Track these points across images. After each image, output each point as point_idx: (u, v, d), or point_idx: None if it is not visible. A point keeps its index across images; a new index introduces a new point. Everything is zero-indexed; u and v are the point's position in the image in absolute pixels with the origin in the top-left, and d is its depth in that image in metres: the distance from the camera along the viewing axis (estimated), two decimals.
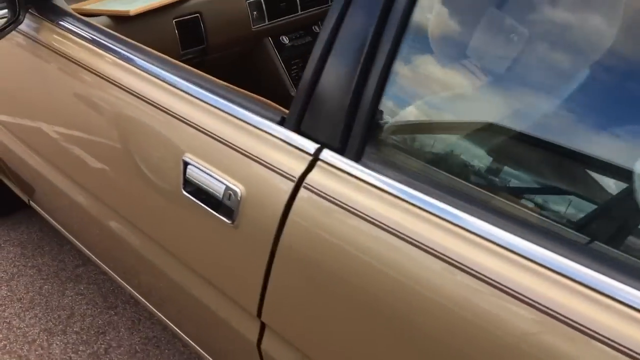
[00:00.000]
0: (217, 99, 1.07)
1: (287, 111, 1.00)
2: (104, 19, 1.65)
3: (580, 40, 0.82)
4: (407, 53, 0.87)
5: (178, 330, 1.44)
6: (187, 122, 1.09)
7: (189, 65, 1.24)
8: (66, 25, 1.40)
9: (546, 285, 0.71)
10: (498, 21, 0.87)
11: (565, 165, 0.83)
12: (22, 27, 1.45)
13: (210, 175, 1.05)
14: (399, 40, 0.85)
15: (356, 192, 0.88)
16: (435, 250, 0.79)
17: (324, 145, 0.93)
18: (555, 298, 0.70)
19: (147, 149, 1.20)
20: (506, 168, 0.86)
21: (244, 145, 1.01)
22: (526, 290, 0.72)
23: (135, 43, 1.30)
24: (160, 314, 1.49)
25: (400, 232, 0.83)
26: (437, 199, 0.82)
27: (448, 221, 0.80)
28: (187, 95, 1.11)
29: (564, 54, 0.84)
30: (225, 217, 1.04)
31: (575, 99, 0.81)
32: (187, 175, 1.09)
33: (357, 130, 0.89)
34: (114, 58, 1.28)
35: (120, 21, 1.67)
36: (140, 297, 1.55)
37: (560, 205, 0.81)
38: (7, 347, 1.86)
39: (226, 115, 1.05)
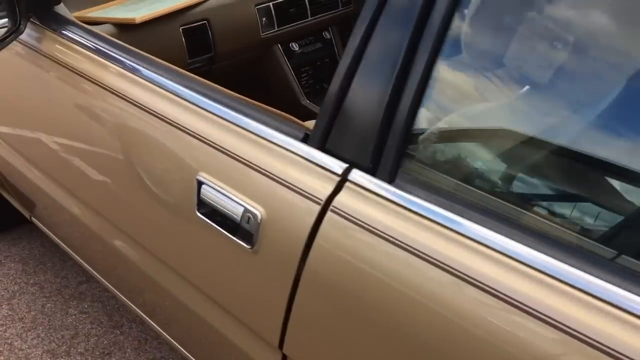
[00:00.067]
0: (233, 113, 1.00)
1: (310, 127, 0.92)
2: (108, 27, 1.58)
3: (630, 51, 0.75)
4: (444, 66, 0.79)
5: (188, 354, 1.37)
6: (201, 138, 1.02)
7: (196, 74, 1.18)
8: (69, 34, 1.33)
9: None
10: (541, 31, 0.80)
11: (621, 186, 0.76)
12: (23, 36, 1.38)
13: (227, 196, 0.97)
14: (436, 53, 0.78)
15: (390, 216, 0.81)
16: (482, 283, 0.71)
17: (352, 164, 0.86)
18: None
19: (157, 167, 1.13)
20: (557, 189, 0.78)
21: (263, 164, 0.94)
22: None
23: (142, 53, 1.23)
24: (167, 335, 1.41)
25: (440, 261, 0.76)
26: (480, 224, 0.75)
27: (493, 249, 0.73)
28: (200, 110, 1.04)
29: (610, 65, 0.77)
30: (243, 242, 0.96)
31: (629, 113, 0.74)
32: (202, 196, 1.01)
33: (390, 149, 0.81)
34: (120, 69, 1.21)
35: (125, 29, 1.60)
36: (146, 317, 1.47)
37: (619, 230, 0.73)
38: None
39: (243, 132, 0.98)
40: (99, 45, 1.27)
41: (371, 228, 0.81)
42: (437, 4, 0.77)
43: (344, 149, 0.87)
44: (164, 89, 1.11)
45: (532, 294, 0.68)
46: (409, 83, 0.79)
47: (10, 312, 1.97)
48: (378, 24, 0.82)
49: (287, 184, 0.90)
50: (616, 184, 0.76)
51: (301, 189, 0.89)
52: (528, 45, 0.80)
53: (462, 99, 0.84)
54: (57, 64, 1.32)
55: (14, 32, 1.30)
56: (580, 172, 0.78)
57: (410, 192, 0.80)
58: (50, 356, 1.82)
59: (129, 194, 1.24)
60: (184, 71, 1.16)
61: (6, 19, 1.32)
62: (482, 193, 0.78)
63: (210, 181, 1.00)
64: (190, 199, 1.04)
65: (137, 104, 1.14)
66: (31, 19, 1.37)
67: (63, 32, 1.34)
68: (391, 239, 0.80)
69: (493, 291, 0.70)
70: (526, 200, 0.77)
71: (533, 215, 0.74)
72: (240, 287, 1.03)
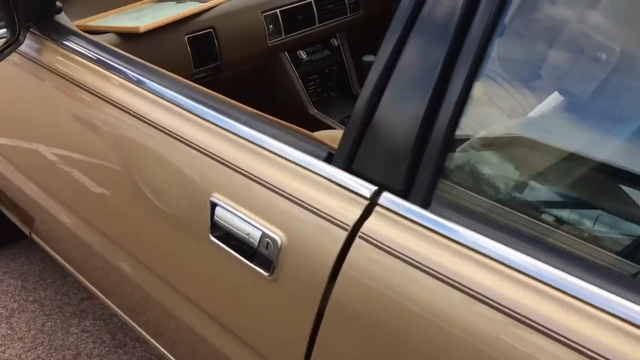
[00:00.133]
0: (249, 130, 0.93)
1: (333, 146, 0.85)
2: (110, 36, 1.52)
3: None
4: (485, 81, 0.73)
5: None
6: (214, 156, 0.95)
7: (201, 84, 1.11)
8: (70, 45, 1.26)
9: None
10: (587, 46, 0.74)
11: None
12: (22, 47, 1.31)
13: (243, 219, 0.91)
14: (477, 67, 0.71)
15: (425, 244, 0.74)
16: (535, 322, 0.65)
17: (382, 187, 0.79)
18: None
19: (166, 186, 1.06)
20: (615, 213, 0.72)
21: (283, 185, 0.87)
22: None
23: (147, 64, 1.16)
24: (172, 358, 1.34)
25: (480, 294, 0.69)
26: (528, 255, 0.68)
27: (543, 282, 0.66)
28: (212, 126, 0.97)
29: None
30: (261, 269, 0.89)
31: None
32: (216, 218, 0.95)
33: (426, 170, 0.75)
34: (125, 81, 1.14)
35: (128, 38, 1.53)
36: (150, 338, 1.40)
37: None
38: None
39: (261, 150, 0.91)
40: (102, 56, 1.20)
41: (404, 257, 0.75)
42: (478, 15, 0.70)
43: (372, 169, 0.80)
44: (173, 104, 1.04)
45: (596, 337, 0.61)
46: (447, 98, 0.73)
47: (9, 332, 1.89)
48: (412, 34, 0.76)
49: (310, 207, 0.84)
50: None
51: (326, 214, 0.82)
52: (573, 61, 0.74)
53: (504, 117, 0.77)
54: (58, 75, 1.25)
55: (12, 43, 1.24)
56: None
57: (447, 218, 0.74)
58: None
59: (136, 213, 1.17)
60: (193, 84, 1.10)
61: (4, 30, 1.25)
62: (529, 219, 0.72)
63: (225, 203, 0.93)
64: (203, 221, 0.97)
65: (144, 119, 1.08)
66: (31, 29, 1.31)
67: (64, 42, 1.27)
68: (427, 269, 0.73)
69: (550, 332, 0.63)
70: (581, 229, 0.70)
71: (592, 247, 0.68)
72: (257, 316, 0.96)
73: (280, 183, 0.87)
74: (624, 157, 0.73)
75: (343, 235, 0.80)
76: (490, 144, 0.78)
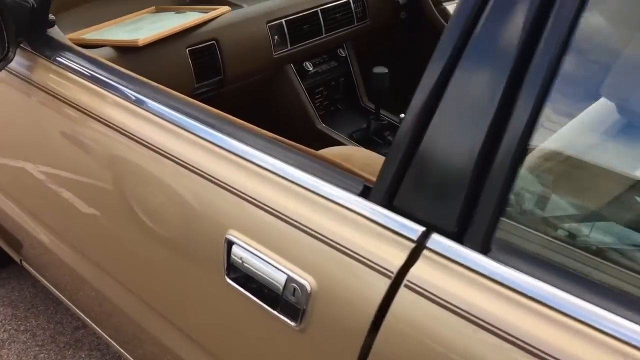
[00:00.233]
0: (270, 159, 0.83)
1: (371, 178, 0.75)
2: (107, 50, 1.41)
3: None
4: (556, 106, 0.62)
5: None
6: (230, 188, 0.85)
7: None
8: (64, 61, 1.15)
9: None
10: None
11: None
12: (12, 64, 1.20)
13: (265, 261, 0.80)
14: (546, 91, 0.61)
15: (484, 296, 0.64)
16: None
17: (431, 227, 0.68)
18: None
19: (175, 221, 0.95)
20: None
21: (311, 223, 0.76)
22: None
23: (149, 82, 1.05)
24: None
25: (553, 357, 0.58)
26: (611, 310, 0.58)
27: (625, 342, 0.56)
28: (228, 154, 0.87)
29: None
30: (287, 317, 0.79)
31: None
32: (233, 257, 0.84)
33: (484, 209, 0.64)
34: (124, 101, 1.03)
35: (126, 52, 1.43)
36: None
37: None
38: None
39: (284, 182, 0.80)
40: (98, 73, 1.10)
41: (459, 310, 0.64)
42: (547, 32, 0.60)
43: (419, 207, 0.69)
44: (180, 127, 0.93)
45: None
46: (510, 126, 0.62)
47: None
48: (465, 54, 0.65)
49: (344, 249, 0.73)
50: None
51: (364, 257, 0.71)
52: None
53: (579, 146, 0.67)
54: (51, 94, 1.14)
55: (2, 59, 1.13)
56: None
57: (510, 266, 0.63)
58: None
59: (138, 248, 1.06)
60: (200, 104, 0.99)
61: None
62: (613, 266, 0.61)
63: (243, 241, 0.83)
64: (217, 261, 0.86)
65: (147, 144, 0.97)
66: (21, 45, 1.20)
67: (57, 58, 1.16)
68: (487, 325, 0.62)
69: None
70: None
71: None
72: None
73: (308, 220, 0.77)
74: None
75: (386, 282, 0.69)
76: (563, 178, 0.67)
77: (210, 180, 0.87)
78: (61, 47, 1.18)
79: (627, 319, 0.57)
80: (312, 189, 0.78)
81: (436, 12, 1.92)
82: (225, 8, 1.65)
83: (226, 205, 0.85)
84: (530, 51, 0.61)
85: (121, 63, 1.29)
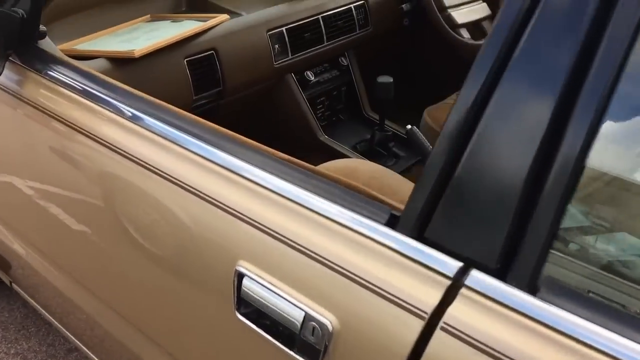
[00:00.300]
0: (284, 184, 0.75)
1: (398, 205, 0.68)
2: (101, 61, 1.33)
3: None
4: (616, 128, 0.56)
5: None
6: (241, 215, 0.77)
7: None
8: (56, 75, 1.08)
9: None
10: None
11: None
12: (0, 79, 1.12)
13: (280, 296, 0.73)
14: (603, 111, 0.54)
15: (533, 341, 0.57)
16: None
17: (469, 263, 0.61)
18: None
19: (179, 250, 0.87)
20: None
21: (331, 255, 0.69)
22: None
23: (147, 97, 0.98)
24: None
25: None
26: None
27: None
28: (237, 177, 0.80)
29: None
30: (304, 358, 0.71)
31: None
32: (244, 291, 0.77)
33: (532, 242, 0.57)
34: (119, 117, 0.96)
35: (121, 64, 1.35)
36: None
37: None
38: None
39: (301, 209, 0.73)
40: (92, 88, 1.02)
41: (505, 357, 0.57)
42: (603, 47, 0.54)
43: (454, 239, 0.62)
44: (183, 147, 0.86)
45: None
46: (562, 150, 0.55)
47: None
48: (509, 69, 0.59)
49: (370, 285, 0.66)
50: None
51: (393, 295, 0.64)
52: None
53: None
54: (42, 111, 1.07)
55: None
56: None
57: (563, 307, 0.56)
58: None
59: (135, 275, 0.99)
60: (203, 120, 0.91)
61: None
62: None
63: (255, 274, 0.75)
64: (226, 294, 0.79)
65: (146, 165, 0.89)
66: (10, 58, 1.12)
67: (48, 72, 1.09)
68: None
69: None
70: None
71: None
72: None
73: (328, 252, 0.69)
74: None
75: (419, 323, 0.62)
76: (624, 206, 0.60)
77: (218, 206, 0.79)
78: (53, 60, 1.11)
79: None
80: (332, 217, 0.70)
81: (441, 19, 1.86)
82: (224, 16, 1.58)
83: (236, 234, 0.78)
84: (584, 68, 0.55)
85: (116, 75, 1.22)
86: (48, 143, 1.09)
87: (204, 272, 0.84)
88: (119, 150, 0.93)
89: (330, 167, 1.20)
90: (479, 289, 0.60)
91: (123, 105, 0.97)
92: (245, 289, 0.77)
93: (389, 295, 0.64)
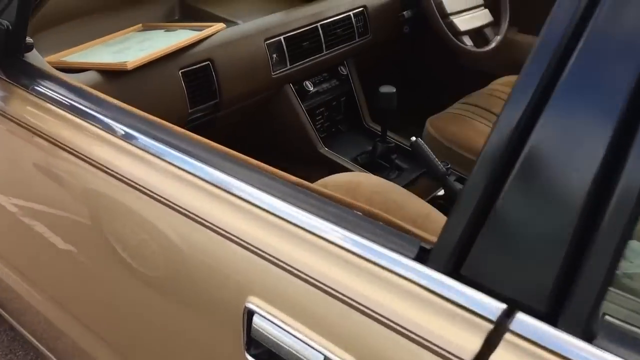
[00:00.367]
0: (300, 213, 0.68)
1: (429, 237, 0.61)
2: (92, 74, 1.26)
3: None
4: None
5: None
6: (250, 247, 0.70)
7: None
8: (43, 90, 1.01)
9: None
10: None
11: None
12: None
13: (296, 337, 0.66)
14: None
15: None
16: None
17: (514, 304, 0.55)
18: None
19: (182, 285, 0.80)
20: None
21: (353, 293, 0.62)
22: None
23: (142, 114, 0.91)
24: None
25: None
26: None
27: None
28: (247, 205, 0.73)
29: None
30: None
31: None
32: (254, 330, 0.69)
33: (587, 283, 0.51)
34: (111, 136, 0.89)
35: (113, 76, 1.28)
36: None
37: None
38: None
39: (317, 240, 0.66)
40: (82, 105, 0.96)
41: None
42: None
43: (496, 277, 0.56)
44: (184, 171, 0.79)
45: None
46: (623, 179, 0.49)
47: None
48: (557, 90, 0.52)
49: (398, 328, 0.59)
50: None
51: (425, 339, 0.57)
52: None
53: None
54: (28, 129, 0.99)
55: None
56: None
57: (624, 358, 0.50)
58: None
59: (130, 307, 0.91)
60: (205, 140, 0.85)
61: None
62: None
63: (267, 311, 0.68)
64: (234, 333, 0.72)
65: (145, 190, 0.82)
66: None
67: (36, 87, 1.01)
68: None
69: None
70: None
71: None
72: None
73: (349, 289, 0.63)
74: None
75: None
76: None
77: (226, 237, 0.72)
78: (40, 75, 1.03)
79: None
80: (354, 250, 0.63)
81: (444, 26, 1.80)
82: (220, 25, 1.51)
83: (246, 267, 0.71)
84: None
85: (108, 89, 1.15)
86: (33, 161, 1.01)
87: (211, 308, 0.77)
88: (109, 171, 0.86)
89: (332, 181, 1.13)
90: (525, 335, 0.53)
91: (113, 122, 0.90)
92: (256, 329, 0.69)
93: (420, 340, 0.57)
